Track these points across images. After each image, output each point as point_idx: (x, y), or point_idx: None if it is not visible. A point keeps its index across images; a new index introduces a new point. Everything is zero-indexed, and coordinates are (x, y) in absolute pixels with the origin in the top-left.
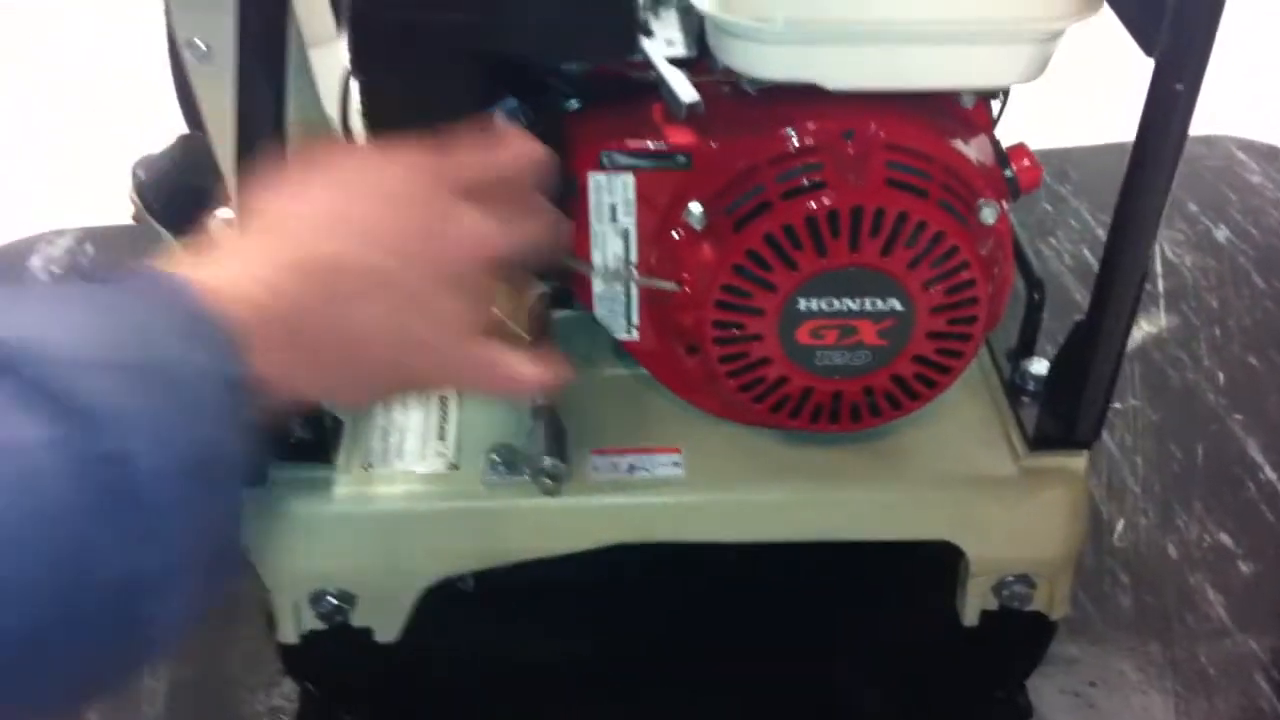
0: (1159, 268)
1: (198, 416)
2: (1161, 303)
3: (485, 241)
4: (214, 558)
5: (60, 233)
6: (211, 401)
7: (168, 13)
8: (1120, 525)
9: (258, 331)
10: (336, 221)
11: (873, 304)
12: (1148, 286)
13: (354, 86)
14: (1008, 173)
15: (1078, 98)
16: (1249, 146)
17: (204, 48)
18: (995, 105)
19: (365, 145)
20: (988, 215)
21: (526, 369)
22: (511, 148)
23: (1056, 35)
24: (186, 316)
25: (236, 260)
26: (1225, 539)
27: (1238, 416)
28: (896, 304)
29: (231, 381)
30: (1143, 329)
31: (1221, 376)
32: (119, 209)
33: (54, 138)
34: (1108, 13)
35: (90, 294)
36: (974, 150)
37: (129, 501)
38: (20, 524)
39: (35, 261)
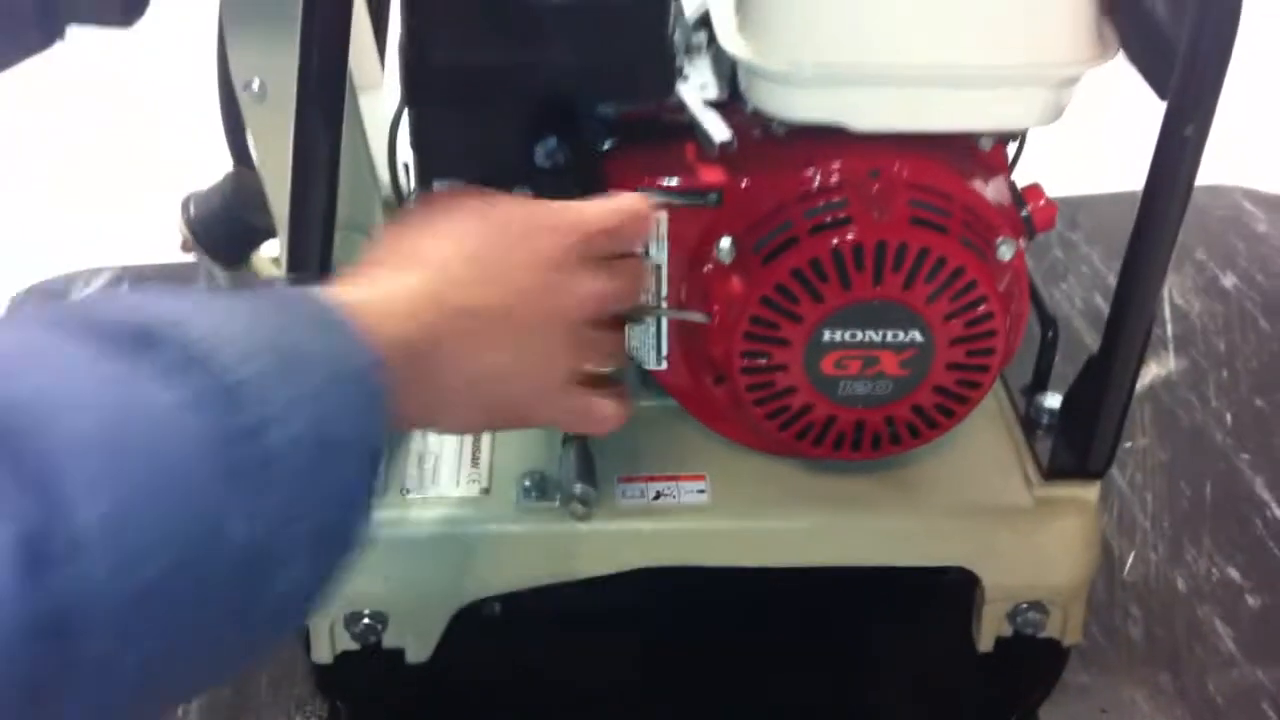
0: (1168, 313)
1: (329, 401)
2: (1170, 346)
3: (603, 301)
4: (338, 537)
5: (97, 271)
6: (343, 390)
7: (221, 55)
8: (1131, 559)
9: (392, 353)
10: (481, 269)
11: (895, 336)
12: (1157, 330)
13: (402, 128)
14: (1024, 212)
15: (1092, 147)
16: (1255, 196)
17: (260, 88)
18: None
19: (504, 197)
20: (1005, 252)
21: (612, 412)
22: (626, 212)
23: (1072, 81)
24: (327, 319)
25: (381, 286)
26: (1233, 573)
27: (1245, 455)
28: (918, 336)
29: (364, 376)
30: (1152, 371)
31: (1229, 417)
32: (153, 246)
33: (90, 172)
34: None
35: (237, 295)
36: (992, 190)
37: (259, 472)
38: (156, 477)
39: (72, 300)
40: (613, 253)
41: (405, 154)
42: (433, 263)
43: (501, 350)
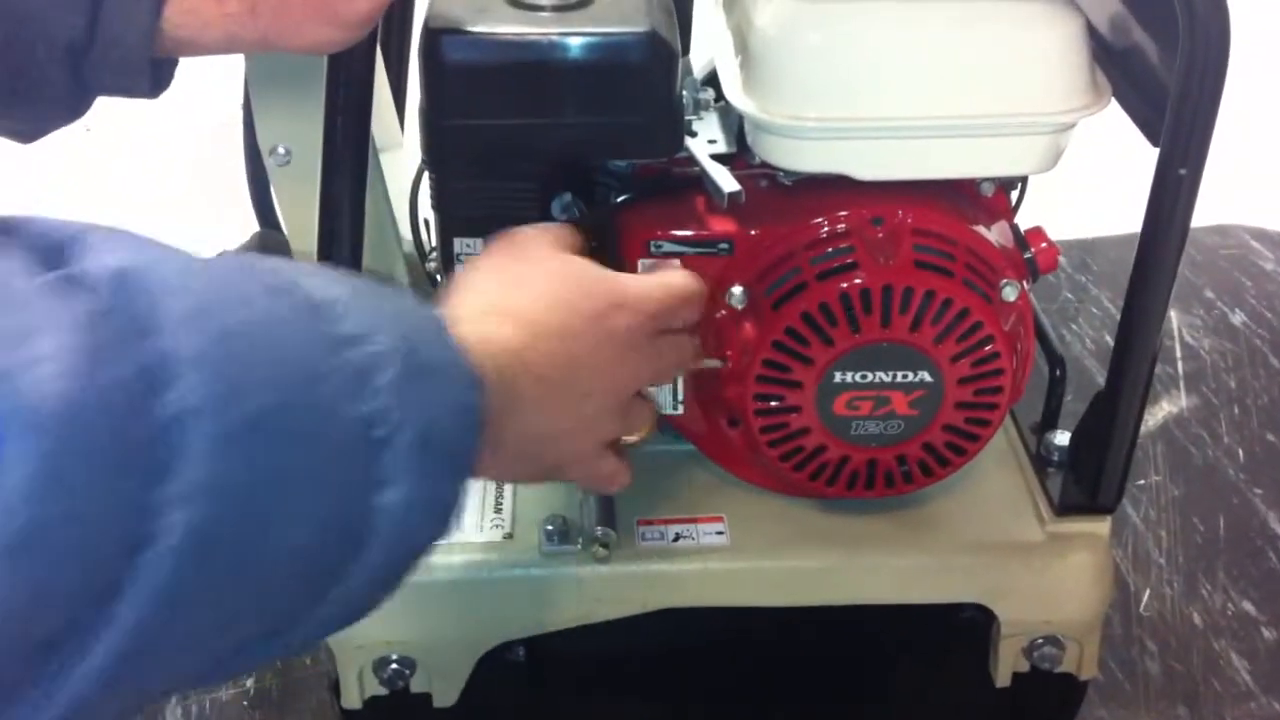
0: (1178, 351)
1: (437, 383)
2: (1182, 384)
3: (656, 377)
4: (441, 463)
5: None
6: (445, 376)
7: (248, 121)
8: (1147, 595)
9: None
10: (561, 338)
11: (904, 376)
12: (1169, 368)
13: (423, 186)
14: (1027, 254)
15: (1103, 190)
16: (1262, 235)
17: (286, 153)
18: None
19: (581, 258)
20: (1009, 293)
21: (626, 477)
22: (686, 292)
23: (1067, 128)
24: (444, 327)
25: (478, 330)
26: (1248, 607)
27: (1257, 490)
28: (926, 376)
29: (467, 379)
30: (1164, 409)
31: (1241, 453)
32: None
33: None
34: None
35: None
36: (995, 234)
37: (360, 374)
38: (254, 329)
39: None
40: (670, 329)
41: (426, 211)
42: (524, 322)
43: (562, 416)
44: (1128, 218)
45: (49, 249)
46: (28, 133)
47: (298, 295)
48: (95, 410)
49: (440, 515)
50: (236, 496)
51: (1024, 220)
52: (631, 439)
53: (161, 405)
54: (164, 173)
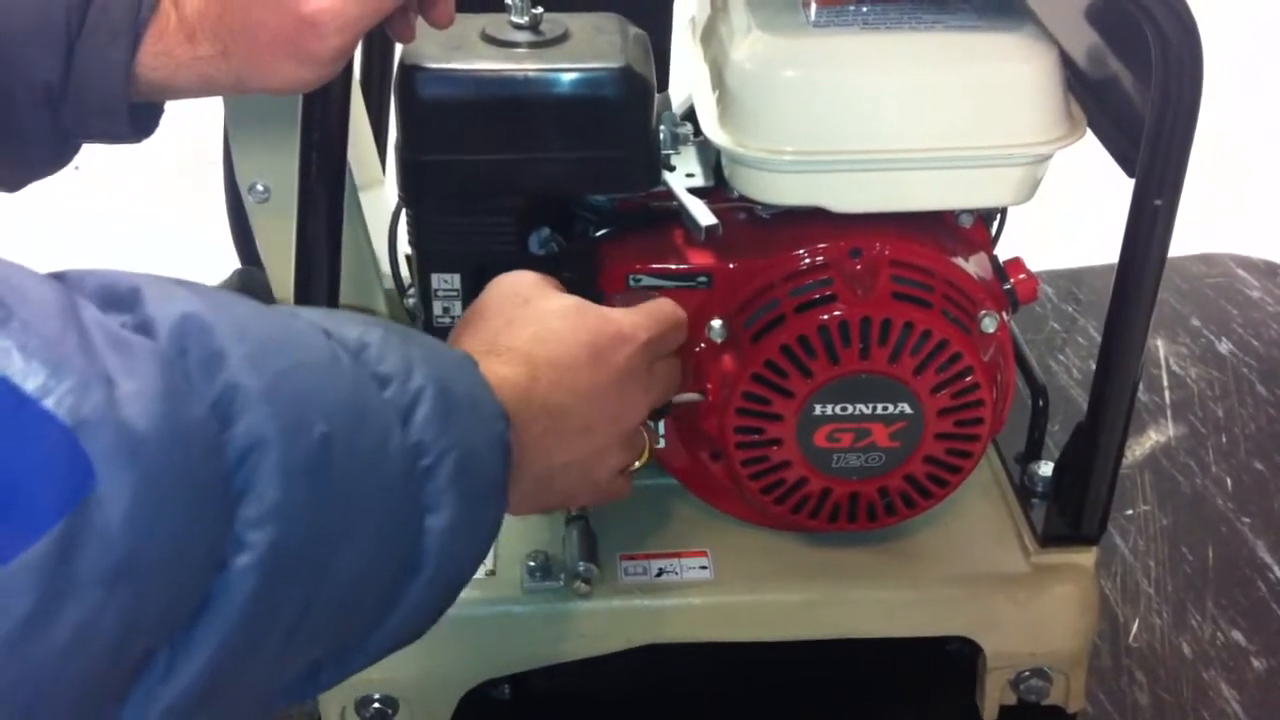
0: (1165, 380)
1: (470, 416)
2: (1169, 413)
3: (653, 404)
4: (480, 484)
5: None
6: (465, 379)
7: (227, 158)
8: (1136, 625)
9: None
10: (561, 372)
11: (884, 408)
12: (1155, 397)
13: (402, 223)
14: (1006, 285)
15: (1089, 221)
16: (1247, 263)
17: (264, 190)
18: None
19: (569, 297)
20: (988, 324)
21: (629, 490)
22: (675, 318)
23: (1043, 159)
24: (471, 365)
25: (491, 372)
26: (1238, 636)
27: (1245, 519)
28: (906, 407)
29: (491, 403)
30: (1152, 438)
31: (1229, 482)
32: None
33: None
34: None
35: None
36: (973, 265)
37: (405, 415)
38: (306, 370)
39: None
40: (659, 356)
41: (404, 246)
42: (525, 360)
43: (571, 449)
44: (1115, 248)
45: (110, 300)
46: (11, 180)
47: (336, 339)
48: (178, 443)
49: (481, 541)
50: (306, 518)
51: (1012, 250)
52: (635, 465)
53: (233, 436)
54: (146, 208)
